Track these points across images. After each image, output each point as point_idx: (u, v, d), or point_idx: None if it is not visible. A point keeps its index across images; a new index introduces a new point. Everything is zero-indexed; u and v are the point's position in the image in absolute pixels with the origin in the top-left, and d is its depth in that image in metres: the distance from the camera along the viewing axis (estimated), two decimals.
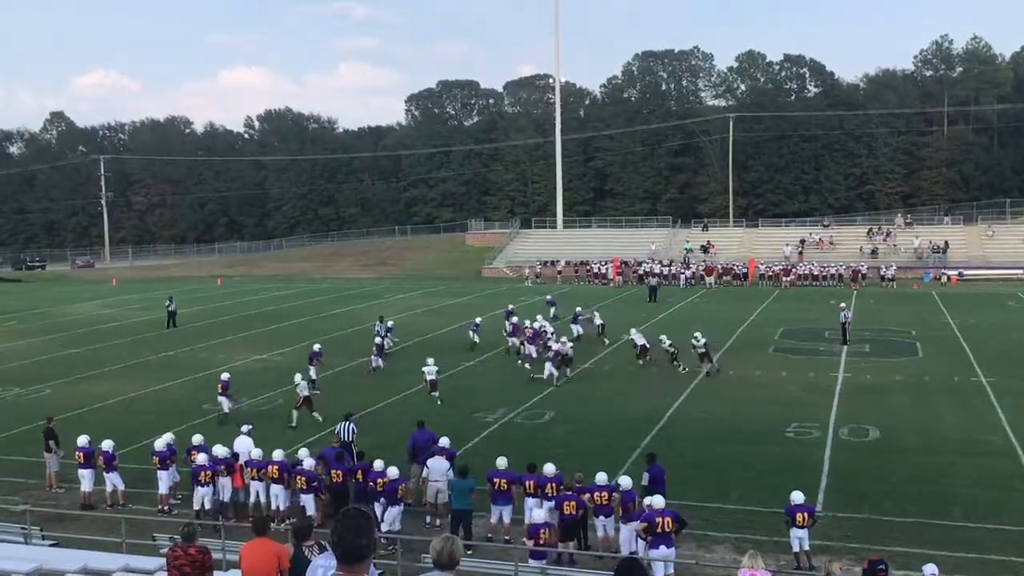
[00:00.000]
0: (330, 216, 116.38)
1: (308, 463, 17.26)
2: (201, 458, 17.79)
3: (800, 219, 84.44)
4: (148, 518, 17.49)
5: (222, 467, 17.75)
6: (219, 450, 18.22)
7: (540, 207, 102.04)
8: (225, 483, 17.74)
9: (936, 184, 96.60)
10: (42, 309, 55.62)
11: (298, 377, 25.91)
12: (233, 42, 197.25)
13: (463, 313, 47.04)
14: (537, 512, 15.38)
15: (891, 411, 25.35)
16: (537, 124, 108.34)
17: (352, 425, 20.15)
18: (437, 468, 17.30)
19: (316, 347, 31.29)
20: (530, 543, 14.50)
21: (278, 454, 17.75)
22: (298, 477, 17.16)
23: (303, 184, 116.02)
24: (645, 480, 16.41)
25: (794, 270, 64.67)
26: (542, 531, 14.68)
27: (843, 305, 38.49)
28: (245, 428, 19.74)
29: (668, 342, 32.12)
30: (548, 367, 29.66)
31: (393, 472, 16.68)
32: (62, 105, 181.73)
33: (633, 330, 34.42)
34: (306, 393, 25.14)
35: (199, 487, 17.54)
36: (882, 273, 62.52)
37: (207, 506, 17.58)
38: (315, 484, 17.03)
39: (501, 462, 16.66)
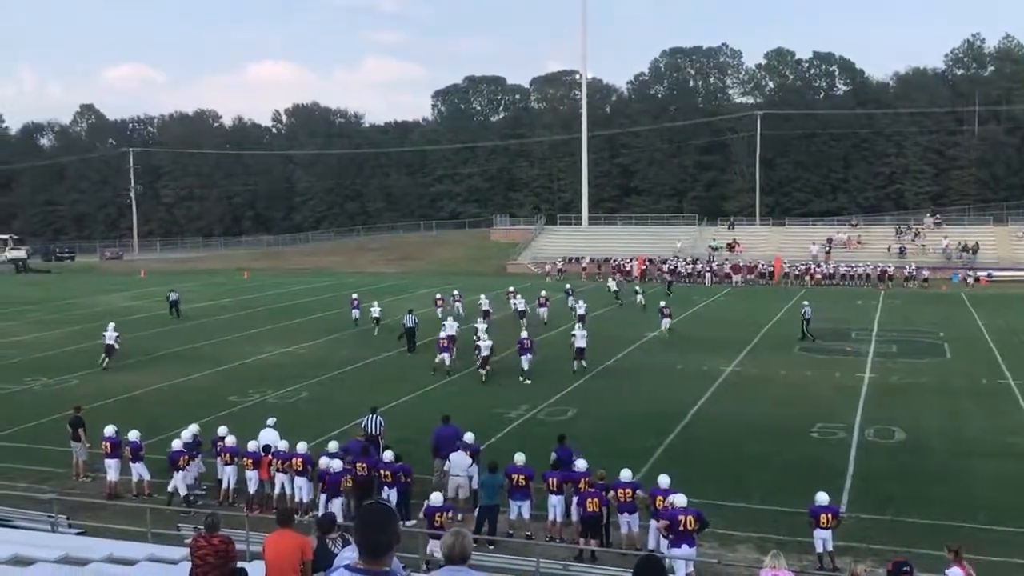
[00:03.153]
0: (356, 211, 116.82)
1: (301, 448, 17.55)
2: (177, 444, 18.38)
3: (828, 218, 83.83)
4: (173, 508, 17.67)
5: (248, 459, 17.94)
6: (250, 444, 18.42)
7: (565, 204, 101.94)
8: (252, 475, 17.91)
9: (966, 184, 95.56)
10: (71, 300, 56.19)
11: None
12: (261, 35, 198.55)
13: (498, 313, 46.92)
14: (435, 495, 15.36)
15: (917, 412, 25.15)
16: (563, 120, 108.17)
17: (380, 419, 20.27)
18: (459, 463, 17.36)
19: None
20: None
21: (302, 447, 17.86)
22: (296, 460, 17.46)
23: (330, 178, 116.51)
24: (553, 458, 17.11)
25: (820, 269, 64.31)
26: (437, 515, 14.87)
27: (805, 303, 40.52)
28: (270, 421, 19.90)
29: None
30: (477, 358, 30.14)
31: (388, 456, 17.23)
32: (92, 97, 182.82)
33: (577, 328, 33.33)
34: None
35: (177, 472, 18.06)
36: (905, 273, 62.02)
37: (182, 491, 18.09)
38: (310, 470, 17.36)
39: (519, 458, 16.69)
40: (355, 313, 42.61)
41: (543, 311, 43.14)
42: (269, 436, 18.83)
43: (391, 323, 39.71)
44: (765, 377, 30.28)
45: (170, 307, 46.56)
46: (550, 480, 16.29)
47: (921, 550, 15.11)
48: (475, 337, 31.91)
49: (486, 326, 34.15)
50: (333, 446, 17.99)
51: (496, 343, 31.09)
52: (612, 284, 53.78)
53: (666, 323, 39.44)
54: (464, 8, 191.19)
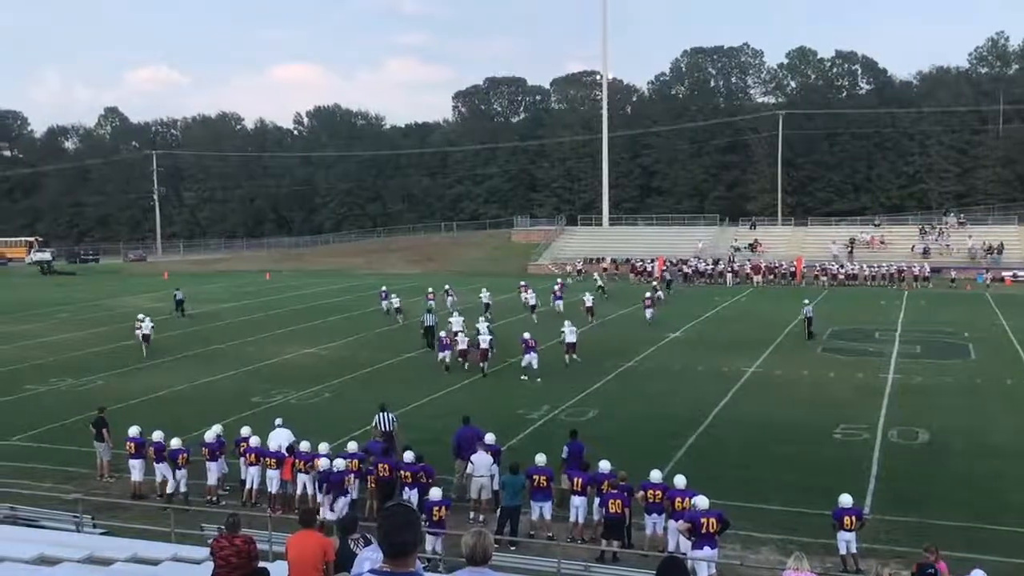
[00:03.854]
0: (377, 212, 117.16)
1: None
2: (176, 442, 18.60)
3: (851, 218, 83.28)
4: (196, 508, 17.78)
5: (271, 460, 18.02)
6: (274, 442, 18.54)
7: (586, 204, 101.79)
8: (273, 475, 17.99)
9: (991, 183, 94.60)
10: (95, 301, 56.67)
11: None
12: (283, 37, 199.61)
13: (510, 309, 47.09)
14: (434, 490, 15.74)
15: (942, 413, 24.96)
16: (584, 121, 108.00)
17: (391, 414, 20.47)
18: (481, 463, 17.38)
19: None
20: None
21: (324, 447, 17.92)
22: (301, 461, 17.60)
23: (351, 180, 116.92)
24: (564, 454, 17.51)
25: (843, 269, 63.93)
26: (435, 509, 15.16)
27: (806, 301, 40.87)
28: (278, 421, 20.10)
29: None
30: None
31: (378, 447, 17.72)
32: (116, 100, 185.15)
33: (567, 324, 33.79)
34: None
35: (177, 470, 18.33)
36: (915, 273, 61.52)
37: (182, 488, 18.35)
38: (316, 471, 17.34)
39: (540, 459, 16.70)
40: (384, 304, 46.02)
41: (559, 303, 45.82)
42: (283, 435, 18.98)
43: (411, 322, 39.98)
44: (788, 378, 30.14)
45: (176, 306, 47.88)
46: (574, 480, 16.27)
47: (945, 552, 14.99)
48: (475, 331, 32.91)
49: (488, 322, 35.47)
50: (352, 447, 18.05)
51: (503, 337, 31.43)
52: (598, 279, 58.30)
53: (649, 312, 42.58)
54: (485, 9, 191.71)
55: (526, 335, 31.36)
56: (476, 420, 19.90)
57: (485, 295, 45.03)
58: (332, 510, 16.21)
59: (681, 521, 14.42)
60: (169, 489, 18.47)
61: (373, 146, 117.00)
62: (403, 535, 4.66)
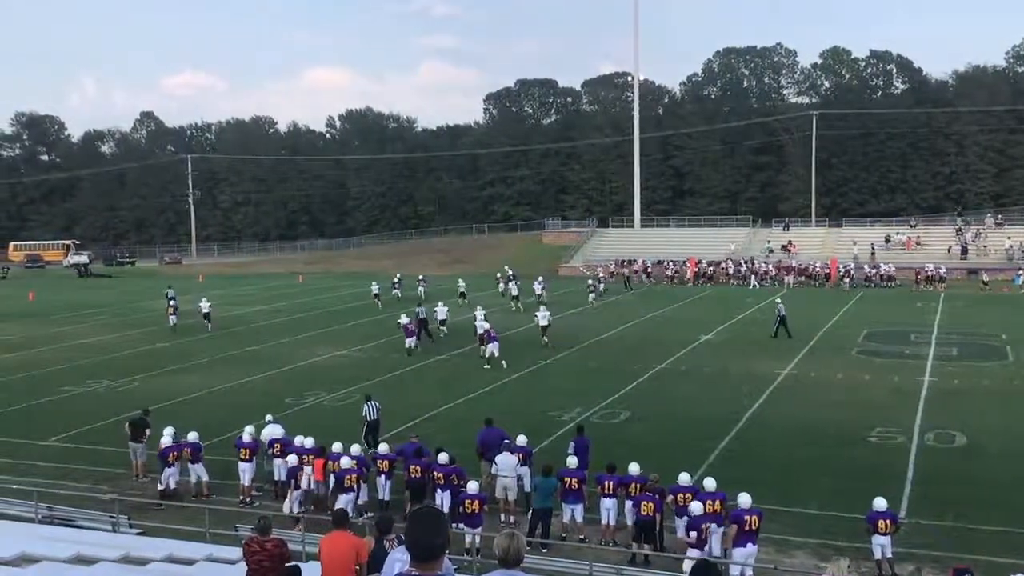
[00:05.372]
0: (408, 214, 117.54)
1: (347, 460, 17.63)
2: (166, 440, 18.87)
3: (886, 219, 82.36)
4: (231, 509, 17.91)
5: (310, 456, 18.13)
6: (308, 442, 18.67)
7: (617, 206, 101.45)
8: (279, 464, 18.41)
9: None
10: (132, 303, 57.31)
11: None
12: (316, 42, 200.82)
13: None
14: (471, 484, 16.13)
15: (979, 416, 24.63)
16: (615, 123, 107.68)
17: (376, 404, 21.92)
18: (506, 464, 17.37)
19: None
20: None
21: (356, 449, 18.00)
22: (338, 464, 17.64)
23: (382, 183, 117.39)
24: (571, 449, 17.97)
25: (877, 271, 63.15)
26: (467, 502, 15.48)
27: (778, 300, 41.95)
28: (269, 417, 20.66)
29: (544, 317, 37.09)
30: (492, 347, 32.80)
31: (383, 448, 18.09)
32: (152, 105, 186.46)
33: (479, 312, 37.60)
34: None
35: (167, 468, 18.57)
36: (927, 273, 60.66)
37: (172, 485, 18.64)
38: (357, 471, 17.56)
39: (572, 461, 16.72)
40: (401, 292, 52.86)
41: (591, 296, 50.61)
42: (274, 431, 19.54)
43: (457, 325, 40.41)
44: (822, 380, 29.87)
45: (167, 303, 48.54)
46: (605, 483, 16.24)
47: (983, 557, 14.81)
48: (473, 320, 36.53)
49: (484, 311, 37.94)
50: (384, 448, 18.13)
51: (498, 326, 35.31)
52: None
53: (592, 296, 47.65)
54: (516, 11, 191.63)
55: (487, 325, 34.23)
56: (508, 422, 19.91)
57: (461, 285, 52.39)
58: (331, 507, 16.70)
59: (728, 522, 14.51)
60: (160, 486, 18.68)
61: (404, 149, 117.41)
62: (430, 539, 4.65)
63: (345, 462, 17.24)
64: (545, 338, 36.43)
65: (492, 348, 32.60)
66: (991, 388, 28.33)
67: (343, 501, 16.74)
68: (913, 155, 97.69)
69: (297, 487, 17.62)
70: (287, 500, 17.79)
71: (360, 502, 17.49)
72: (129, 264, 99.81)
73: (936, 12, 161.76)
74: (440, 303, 42.15)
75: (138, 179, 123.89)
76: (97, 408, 26.99)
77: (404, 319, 36.72)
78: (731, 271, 66.41)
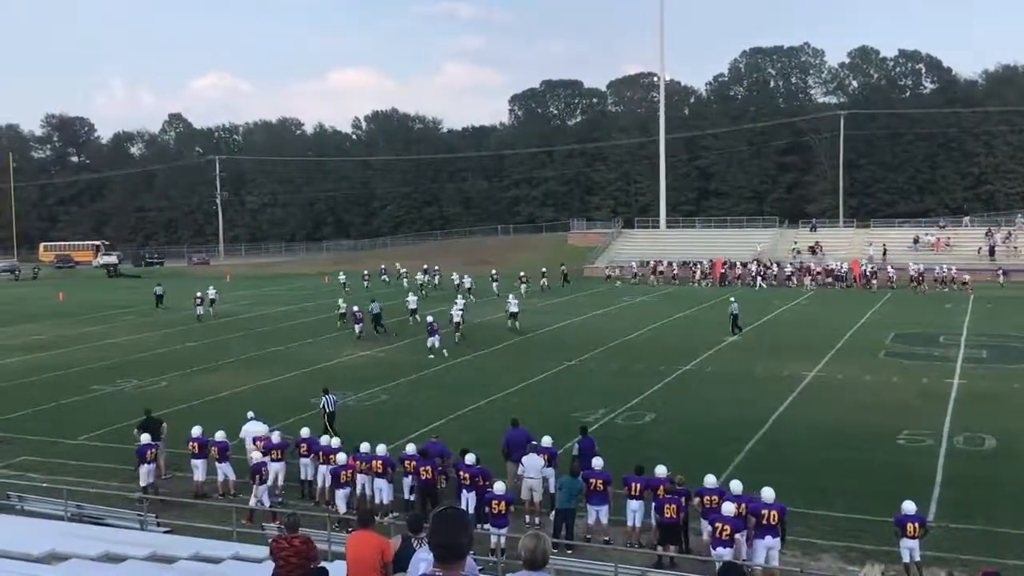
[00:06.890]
0: (433, 215, 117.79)
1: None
2: (146, 438, 19.11)
3: (915, 219, 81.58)
4: (258, 508, 18.01)
5: (332, 456, 18.31)
6: (334, 441, 18.85)
7: (643, 207, 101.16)
8: (325, 470, 18.43)
9: None
10: (161, 304, 57.67)
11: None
12: (342, 43, 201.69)
13: (566, 311, 47.08)
14: (498, 484, 16.26)
15: (1009, 419, 24.34)
16: (641, 123, 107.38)
17: (333, 397, 22.84)
18: (532, 466, 17.36)
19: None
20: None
21: (382, 449, 18.06)
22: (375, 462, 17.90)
23: (408, 184, 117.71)
24: (575, 451, 18.09)
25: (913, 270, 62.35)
26: (494, 502, 15.57)
27: (732, 299, 42.34)
28: (250, 414, 21.05)
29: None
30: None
31: (381, 449, 18.07)
32: (180, 106, 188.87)
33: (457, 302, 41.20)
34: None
35: (144, 464, 18.76)
36: (936, 274, 60.00)
37: (150, 480, 18.82)
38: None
39: (597, 462, 16.66)
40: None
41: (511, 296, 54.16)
42: (255, 428, 20.00)
43: (477, 326, 40.39)
44: (849, 382, 29.64)
45: (156, 300, 53.19)
46: (632, 485, 16.19)
47: (1013, 561, 14.65)
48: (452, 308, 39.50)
49: (463, 301, 42.12)
50: (411, 448, 18.17)
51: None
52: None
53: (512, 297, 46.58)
54: (541, 12, 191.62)
55: (429, 318, 36.28)
56: (532, 423, 19.90)
57: (465, 280, 57.26)
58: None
59: (750, 518, 14.53)
60: (142, 483, 18.81)
61: (430, 150, 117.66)
62: (455, 539, 4.64)
63: (341, 458, 17.85)
64: (516, 323, 40.57)
65: (433, 340, 34.57)
66: (1022, 391, 27.99)
67: (340, 496, 17.47)
68: (942, 155, 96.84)
69: (263, 481, 17.79)
70: (252, 495, 17.94)
71: (386, 501, 17.56)
72: (158, 264, 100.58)
73: (965, 11, 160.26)
74: (411, 294, 46.45)
75: (167, 180, 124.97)
76: (126, 407, 27.14)
77: (353, 307, 41.32)
78: (753, 272, 66.00)
